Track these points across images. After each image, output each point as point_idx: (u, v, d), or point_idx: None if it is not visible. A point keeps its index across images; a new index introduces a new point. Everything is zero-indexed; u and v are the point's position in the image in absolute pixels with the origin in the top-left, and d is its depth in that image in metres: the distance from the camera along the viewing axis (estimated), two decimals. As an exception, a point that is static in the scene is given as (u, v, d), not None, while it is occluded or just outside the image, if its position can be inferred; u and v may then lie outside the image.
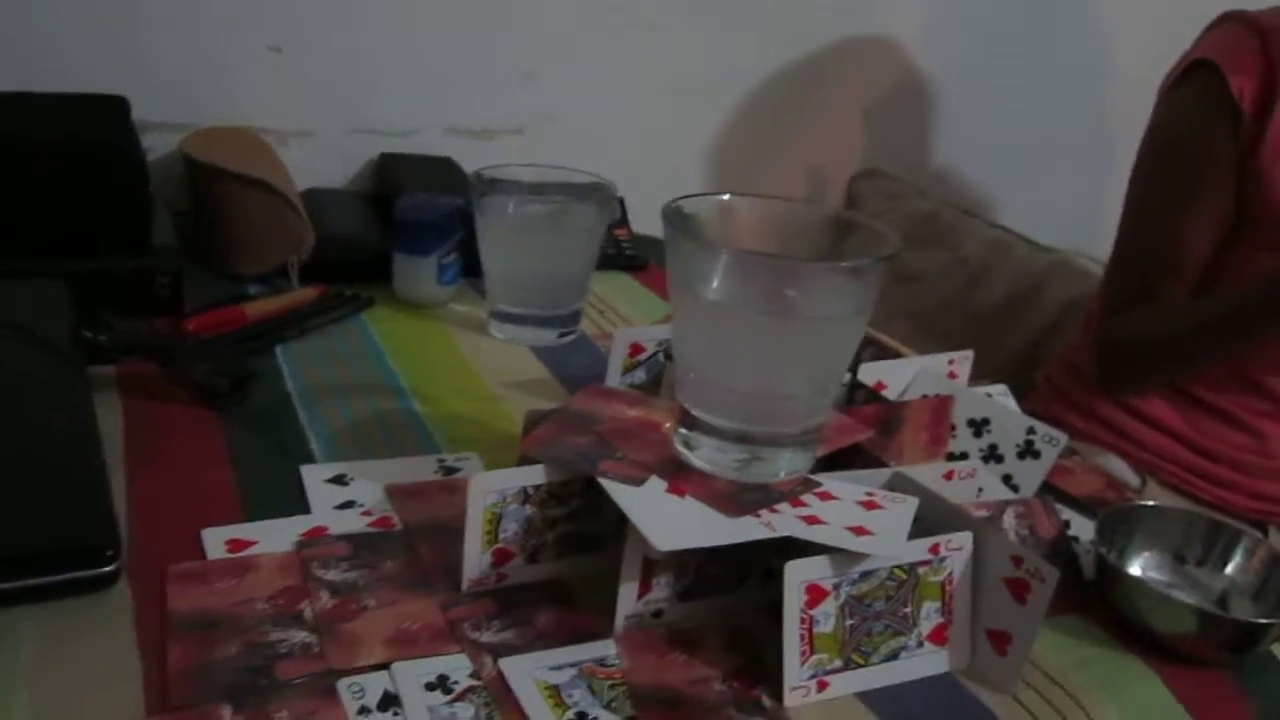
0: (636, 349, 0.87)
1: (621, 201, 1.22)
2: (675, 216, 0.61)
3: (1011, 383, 0.88)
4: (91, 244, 0.88)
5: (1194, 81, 1.12)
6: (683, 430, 0.64)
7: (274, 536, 0.64)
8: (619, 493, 0.58)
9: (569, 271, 0.98)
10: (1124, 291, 1.18)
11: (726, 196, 0.65)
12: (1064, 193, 1.75)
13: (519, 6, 1.27)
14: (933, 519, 0.61)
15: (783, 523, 0.58)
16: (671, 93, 1.40)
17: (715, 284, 0.60)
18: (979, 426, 0.80)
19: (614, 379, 0.86)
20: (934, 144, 1.64)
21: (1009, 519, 0.68)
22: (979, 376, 0.88)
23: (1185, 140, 1.13)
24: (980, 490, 0.72)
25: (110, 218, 0.91)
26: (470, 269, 1.05)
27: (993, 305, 1.52)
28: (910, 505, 0.61)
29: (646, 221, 1.28)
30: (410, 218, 1.00)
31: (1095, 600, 0.66)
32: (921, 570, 0.58)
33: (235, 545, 0.63)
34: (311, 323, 0.94)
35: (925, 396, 0.81)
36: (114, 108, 0.97)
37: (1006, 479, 0.77)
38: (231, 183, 1.01)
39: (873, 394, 0.79)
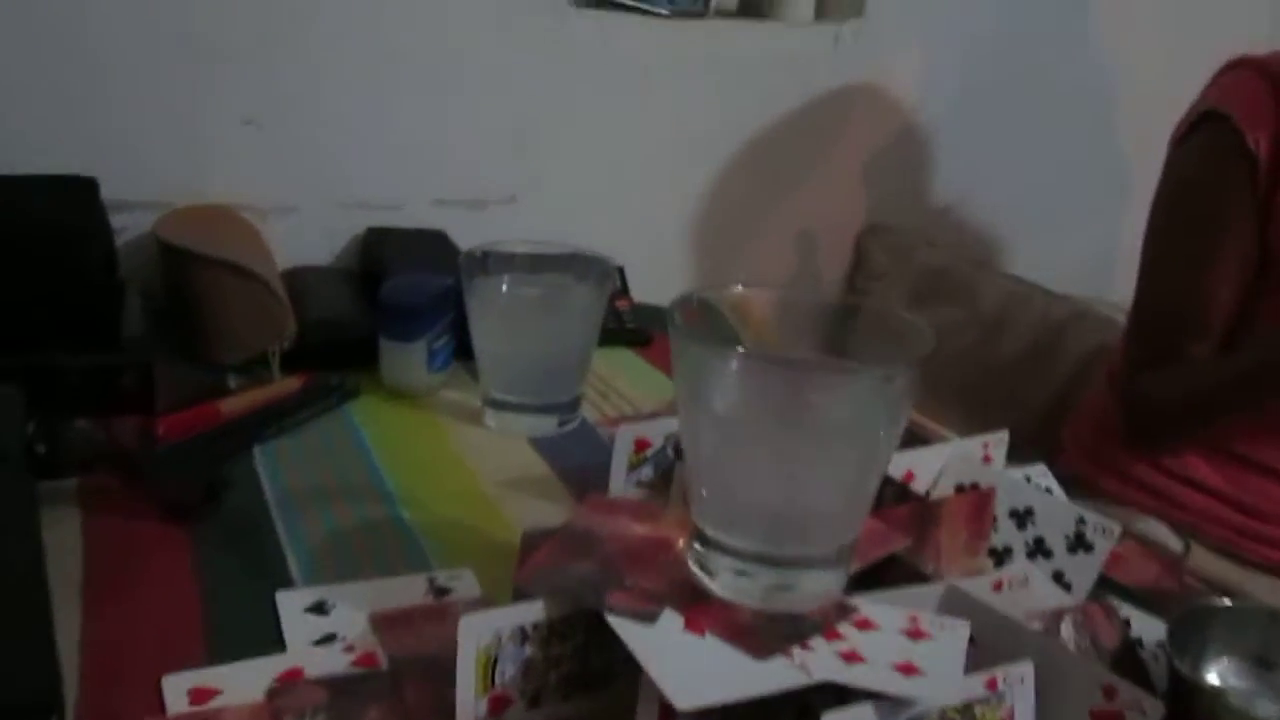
0: (642, 444, 0.81)
1: (621, 270, 1.16)
2: (680, 315, 0.55)
3: (1036, 438, 0.82)
4: (55, 337, 0.82)
5: (1206, 131, 1.08)
6: (698, 548, 0.57)
7: (243, 681, 0.57)
8: (630, 634, 0.51)
9: (568, 355, 0.91)
10: (1149, 348, 1.13)
11: (739, 288, 0.58)
12: (1076, 240, 1.70)
13: (505, 73, 1.22)
14: (989, 639, 0.54)
15: (819, 663, 0.51)
16: (668, 153, 1.35)
17: (729, 392, 0.54)
18: (1022, 518, 0.73)
19: (619, 478, 0.80)
20: (940, 196, 1.58)
21: (1067, 629, 0.61)
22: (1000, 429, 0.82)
23: (1201, 191, 1.10)
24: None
25: (75, 308, 0.85)
26: (462, 350, 0.99)
27: (1012, 358, 1.46)
28: (962, 632, 0.54)
29: (648, 289, 1.22)
30: (397, 302, 0.94)
31: (1170, 716, 0.59)
32: (978, 709, 0.51)
33: (199, 695, 0.56)
34: (292, 418, 0.87)
35: (961, 488, 0.75)
36: (82, 190, 0.91)
37: (1058, 576, 0.70)
38: (207, 268, 0.95)
39: (902, 488, 0.73)
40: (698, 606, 0.54)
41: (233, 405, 0.86)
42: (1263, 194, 1.04)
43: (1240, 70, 1.09)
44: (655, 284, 1.26)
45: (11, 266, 0.84)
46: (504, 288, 0.90)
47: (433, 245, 1.18)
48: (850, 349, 0.57)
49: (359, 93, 1.16)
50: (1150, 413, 1.13)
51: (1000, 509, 0.72)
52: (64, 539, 0.67)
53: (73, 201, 0.91)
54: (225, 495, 0.72)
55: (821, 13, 1.42)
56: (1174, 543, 1.17)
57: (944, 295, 1.49)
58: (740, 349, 0.56)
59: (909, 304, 1.47)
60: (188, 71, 1.08)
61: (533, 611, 0.53)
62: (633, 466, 0.81)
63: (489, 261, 0.91)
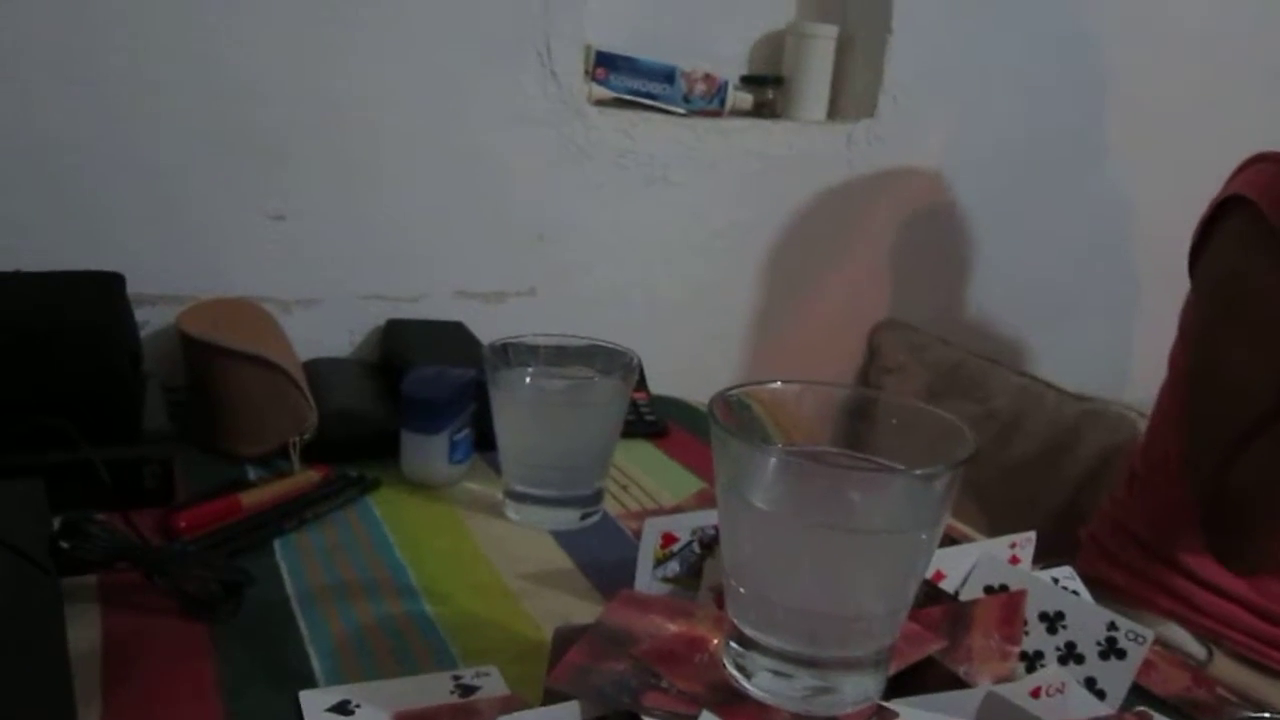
0: (669, 539, 0.80)
1: (614, 352, 1.16)
2: (720, 411, 0.55)
3: (1051, 538, 0.82)
4: (77, 431, 0.81)
5: (1230, 216, 1.08)
6: (735, 648, 0.56)
7: (267, 785, 0.55)
8: (669, 738, 0.50)
9: (591, 449, 0.91)
10: (1213, 442, 1.08)
11: (778, 384, 0.58)
12: (1089, 340, 1.71)
13: (526, 168, 1.24)
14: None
15: (861, 771, 0.49)
16: (685, 248, 1.37)
17: (768, 489, 0.54)
18: (1053, 621, 0.72)
19: (645, 573, 0.79)
20: (953, 293, 1.60)
21: (1107, 739, 0.60)
22: (1018, 531, 0.81)
23: (1235, 275, 1.08)
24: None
25: (99, 404, 0.84)
26: (482, 441, 0.99)
27: (1027, 457, 1.46)
28: (1004, 742, 0.53)
29: (665, 382, 1.23)
30: (419, 395, 0.94)
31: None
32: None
33: (222, 799, 0.54)
34: (313, 511, 0.87)
35: (990, 589, 0.74)
36: (108, 285, 0.92)
37: (1090, 682, 0.68)
38: (229, 359, 0.95)
39: (933, 588, 0.72)
40: (734, 708, 0.53)
41: (253, 498, 0.86)
42: None
43: (1260, 163, 1.09)
44: (672, 377, 1.28)
45: (38, 363, 0.84)
46: (527, 380, 0.90)
47: (452, 337, 1.19)
48: (886, 447, 0.56)
49: (383, 187, 1.18)
50: (1250, 508, 1.06)
51: (1030, 612, 0.71)
52: (84, 636, 0.66)
53: (100, 298, 0.91)
54: (246, 592, 0.71)
55: (834, 113, 1.45)
56: (1195, 648, 1.15)
57: (959, 391, 1.49)
58: (780, 446, 0.55)
59: (924, 399, 1.47)
60: (217, 167, 1.10)
61: (568, 713, 0.52)
62: (659, 561, 0.80)
63: (513, 354, 0.91)
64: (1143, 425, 1.44)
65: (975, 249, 1.59)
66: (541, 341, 0.94)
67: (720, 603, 0.68)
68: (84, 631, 0.67)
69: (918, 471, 0.52)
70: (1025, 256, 1.62)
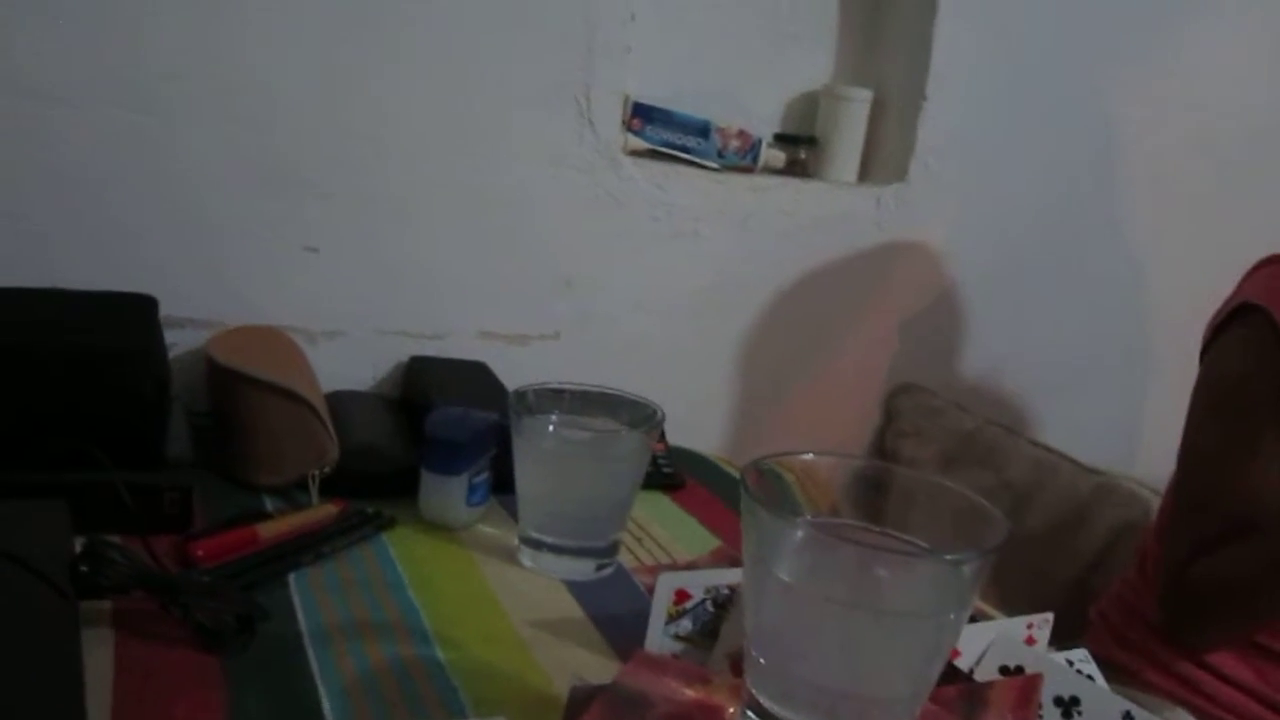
0: (682, 595, 0.80)
1: (638, 405, 1.16)
2: (751, 480, 0.55)
3: (1061, 614, 0.82)
4: (99, 453, 0.82)
5: (1242, 324, 1.09)
6: (752, 717, 0.56)
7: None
8: (684, 811, 0.49)
9: (610, 500, 0.91)
10: (1197, 541, 1.10)
11: (810, 455, 0.59)
12: (1102, 412, 1.71)
13: (557, 214, 1.26)
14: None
15: None
16: (710, 301, 1.37)
17: (795, 561, 0.53)
18: (1068, 706, 0.71)
19: (657, 629, 0.78)
20: (971, 360, 1.60)
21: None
22: (1029, 608, 0.81)
23: (1241, 382, 1.09)
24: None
25: (125, 427, 0.85)
26: (500, 484, 0.99)
27: (1040, 531, 1.45)
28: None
29: (683, 433, 1.23)
30: (441, 435, 0.94)
31: None
32: None
33: (228, 841, 0.54)
34: (329, 546, 0.87)
35: (1006, 669, 0.73)
36: (142, 309, 0.93)
37: (1103, 771, 0.68)
38: (254, 388, 0.96)
39: (949, 666, 0.71)
40: (750, 783, 0.53)
41: (271, 530, 0.86)
42: None
43: (1273, 267, 1.10)
44: (690, 429, 1.28)
45: (68, 383, 0.84)
46: (550, 429, 0.90)
47: (475, 377, 1.19)
48: (916, 525, 0.56)
49: (414, 225, 1.19)
50: (1201, 604, 1.10)
51: (1046, 695, 0.71)
52: (97, 661, 0.66)
53: (133, 322, 0.92)
54: (260, 626, 0.71)
55: (865, 175, 1.46)
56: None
57: (974, 460, 1.48)
58: (808, 518, 0.55)
59: (939, 465, 1.47)
60: (255, 197, 1.11)
61: (583, 777, 0.52)
62: (671, 618, 0.80)
63: (536, 400, 0.92)
64: (1155, 503, 1.43)
65: (994, 316, 1.59)
66: (566, 388, 0.94)
67: (737, 670, 0.67)
68: (97, 656, 0.66)
69: (949, 556, 0.52)
70: (1043, 325, 1.63)
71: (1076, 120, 1.54)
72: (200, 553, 0.79)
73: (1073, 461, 1.51)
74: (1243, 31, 1.59)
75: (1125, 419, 1.74)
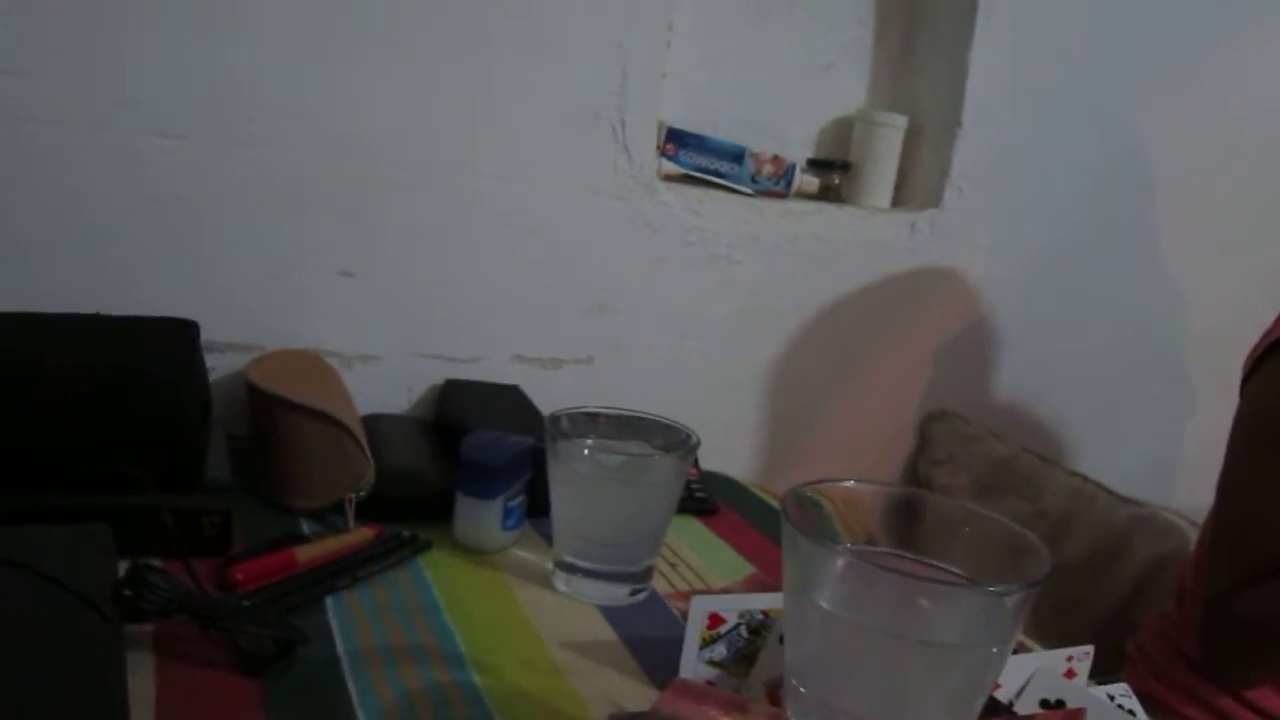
0: (716, 620, 0.80)
1: (674, 429, 1.16)
2: (792, 508, 0.55)
3: (1100, 645, 0.80)
4: (141, 477, 0.83)
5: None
6: (791, 750, 0.55)
7: None
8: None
9: (646, 526, 0.91)
10: (1239, 576, 1.07)
11: (850, 483, 0.58)
12: (1138, 443, 1.69)
13: (591, 238, 1.26)
14: None
15: None
16: (742, 326, 1.37)
17: (837, 591, 0.53)
18: (1111, 741, 0.70)
19: (691, 654, 0.78)
20: (1006, 388, 1.59)
21: None
22: (1063, 639, 0.81)
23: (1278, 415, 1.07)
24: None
25: (167, 451, 0.86)
26: (534, 508, 0.99)
27: (1076, 560, 1.43)
28: None
29: (715, 457, 1.23)
30: (477, 459, 0.95)
31: None
32: None
33: None
34: (365, 570, 0.87)
35: (1046, 703, 0.73)
36: (184, 333, 0.94)
37: (1145, 808, 0.67)
38: (293, 412, 0.97)
39: (990, 699, 0.70)
40: (791, 815, 0.52)
41: (309, 553, 0.86)
42: None
43: None
44: (722, 453, 1.28)
45: (112, 407, 0.85)
46: (586, 453, 0.90)
47: (509, 400, 1.20)
48: (958, 555, 0.56)
49: (449, 250, 1.20)
50: (1243, 640, 1.07)
51: (1088, 730, 0.70)
52: (139, 687, 0.66)
53: (176, 346, 0.93)
54: (299, 651, 0.72)
55: (899, 200, 1.46)
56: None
57: (1008, 488, 1.47)
58: (850, 547, 0.55)
59: (974, 493, 1.46)
60: (296, 223, 1.12)
61: (623, 808, 0.52)
62: (705, 643, 0.80)
63: (572, 425, 0.92)
64: (1192, 535, 1.41)
65: (1029, 343, 1.58)
66: (601, 412, 0.94)
67: (774, 698, 0.67)
68: (139, 679, 0.67)
69: (993, 588, 0.52)
70: (1078, 353, 1.61)
71: (1112, 146, 1.54)
72: (240, 576, 0.79)
73: (1109, 491, 1.49)
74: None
75: (1162, 448, 1.72)
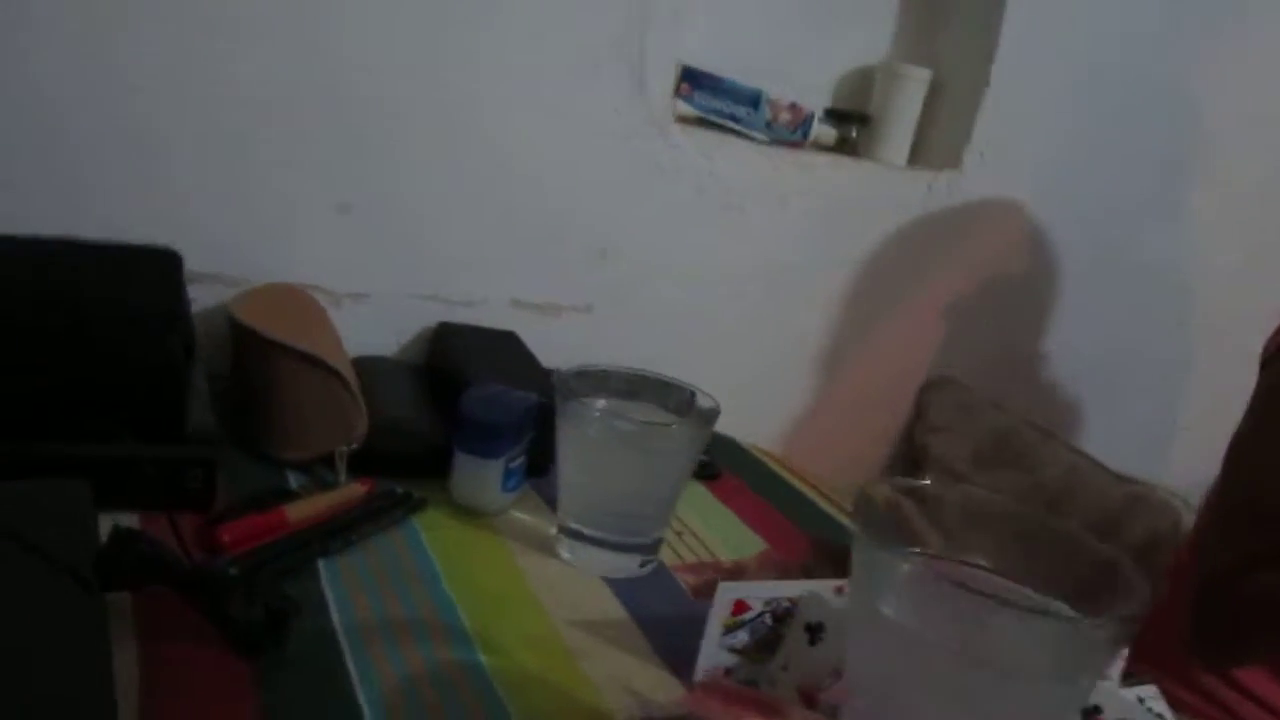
0: (740, 607, 0.75)
1: (691, 394, 1.11)
2: (866, 508, 0.50)
3: None
4: (119, 424, 0.76)
5: None
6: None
7: None
8: None
9: (659, 496, 0.86)
10: (1252, 554, 1.05)
11: (927, 482, 0.53)
12: (1137, 417, 1.66)
13: (598, 181, 1.19)
14: None
15: None
16: (748, 280, 1.31)
17: (901, 601, 0.48)
18: (1146, 749, 0.67)
19: (713, 641, 0.74)
20: (1010, 357, 1.54)
21: None
22: None
23: None
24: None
25: (147, 398, 0.79)
26: (533, 467, 0.94)
27: (1071, 537, 1.41)
28: None
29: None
30: (479, 416, 0.89)
31: None
32: None
33: None
34: (358, 532, 0.81)
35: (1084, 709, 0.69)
36: (165, 267, 0.86)
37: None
38: (282, 356, 0.90)
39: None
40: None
41: (299, 512, 0.80)
42: None
43: None
44: (723, 411, 1.22)
45: (88, 348, 0.78)
46: (601, 417, 0.84)
47: (505, 348, 1.14)
48: (1043, 571, 0.51)
49: (449, 188, 1.12)
50: (1247, 618, 1.05)
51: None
52: (120, 665, 0.60)
53: (158, 282, 0.85)
54: (292, 626, 0.66)
55: (915, 159, 1.40)
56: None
57: (1007, 460, 1.44)
58: (928, 557, 0.50)
59: (972, 464, 1.42)
60: (289, 149, 1.04)
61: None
62: (728, 629, 0.76)
63: (583, 383, 0.86)
64: (1188, 515, 1.40)
65: (1036, 315, 1.54)
66: (613, 370, 0.89)
67: (809, 700, 0.63)
68: (120, 657, 0.61)
69: (1077, 619, 0.47)
70: (1085, 327, 1.58)
71: (1144, 121, 1.48)
72: (227, 538, 0.73)
73: (1105, 469, 1.47)
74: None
75: (1159, 430, 1.70)
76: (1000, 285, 1.49)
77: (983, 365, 1.51)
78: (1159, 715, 0.74)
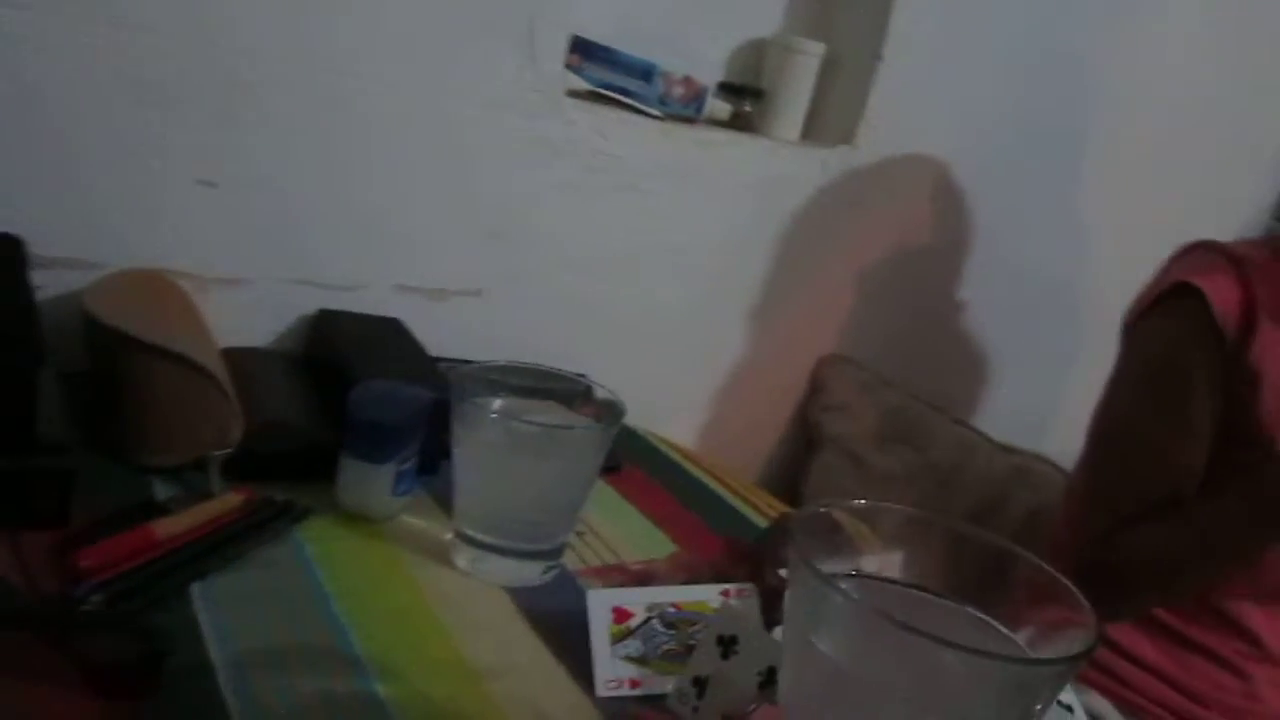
0: (622, 614, 0.74)
1: (587, 387, 1.06)
2: (800, 532, 0.46)
3: None
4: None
5: (1175, 304, 1.07)
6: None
7: None
8: None
9: (564, 500, 0.81)
10: (1117, 518, 1.07)
11: (864, 503, 0.50)
12: (1021, 393, 1.69)
13: (487, 158, 1.12)
14: None
15: None
16: (646, 258, 1.27)
17: (840, 638, 0.45)
18: None
19: (603, 652, 0.72)
20: (900, 334, 1.55)
21: None
22: None
23: (1171, 362, 1.08)
24: None
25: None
26: (423, 465, 0.88)
27: (964, 513, 1.42)
28: None
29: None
30: (368, 417, 0.82)
31: None
32: None
33: None
34: (237, 548, 0.74)
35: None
36: (5, 255, 0.76)
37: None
38: (143, 354, 0.81)
39: None
40: None
41: (169, 529, 0.72)
42: (1228, 370, 1.03)
43: (1204, 251, 1.09)
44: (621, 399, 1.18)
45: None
46: (501, 419, 0.79)
47: (390, 336, 1.07)
48: (985, 595, 0.49)
49: (327, 163, 1.04)
50: (1117, 579, 1.07)
51: None
52: (-39, 714, 0.53)
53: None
54: (165, 666, 0.59)
55: (809, 133, 1.37)
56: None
57: (902, 436, 1.44)
58: (865, 585, 0.47)
59: (876, 444, 1.42)
60: (139, 120, 0.94)
61: None
62: (616, 639, 0.73)
63: (484, 385, 0.81)
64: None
65: (925, 294, 1.55)
66: (512, 365, 0.84)
67: (734, 725, 0.60)
68: (-40, 708, 0.54)
69: (1040, 662, 0.45)
70: (977, 301, 1.59)
71: (1039, 93, 1.49)
72: (86, 564, 0.66)
73: (990, 441, 1.49)
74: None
75: (1041, 405, 1.74)
76: (896, 261, 1.48)
77: (878, 341, 1.51)
78: (1068, 708, 0.74)
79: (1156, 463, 1.07)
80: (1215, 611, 1.11)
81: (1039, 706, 0.45)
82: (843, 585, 0.46)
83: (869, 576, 0.50)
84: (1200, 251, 1.09)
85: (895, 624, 0.43)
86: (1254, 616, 1.11)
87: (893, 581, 0.50)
